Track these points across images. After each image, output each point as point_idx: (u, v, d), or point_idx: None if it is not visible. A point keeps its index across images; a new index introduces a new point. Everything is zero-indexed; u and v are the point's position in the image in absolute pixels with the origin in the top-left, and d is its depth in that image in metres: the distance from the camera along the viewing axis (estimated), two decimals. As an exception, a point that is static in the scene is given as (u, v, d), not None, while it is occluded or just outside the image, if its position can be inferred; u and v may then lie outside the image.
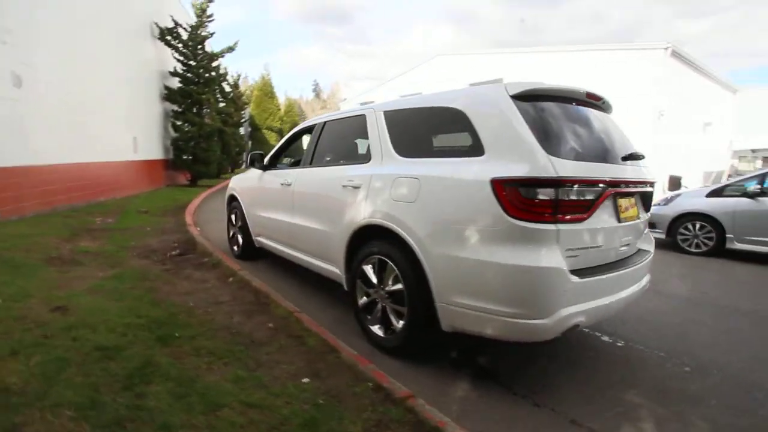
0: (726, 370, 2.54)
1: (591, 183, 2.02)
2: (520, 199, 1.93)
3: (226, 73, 17.93)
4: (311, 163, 3.55)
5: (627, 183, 2.24)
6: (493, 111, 2.16)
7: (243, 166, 26.55)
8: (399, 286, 2.48)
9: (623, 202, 2.28)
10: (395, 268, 2.49)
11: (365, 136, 3.12)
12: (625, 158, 2.34)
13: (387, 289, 2.58)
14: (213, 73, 13.77)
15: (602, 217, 2.15)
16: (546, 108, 2.18)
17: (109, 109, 9.02)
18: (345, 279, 3.02)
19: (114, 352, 2.22)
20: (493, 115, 2.15)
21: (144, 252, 5.01)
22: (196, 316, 2.98)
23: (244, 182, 4.76)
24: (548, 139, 2.04)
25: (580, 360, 2.65)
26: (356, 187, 2.80)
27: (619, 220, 2.26)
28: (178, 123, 12.80)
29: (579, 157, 2.08)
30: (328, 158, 3.47)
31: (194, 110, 13.13)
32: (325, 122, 3.57)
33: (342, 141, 3.45)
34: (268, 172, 4.25)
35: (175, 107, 12.86)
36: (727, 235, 5.43)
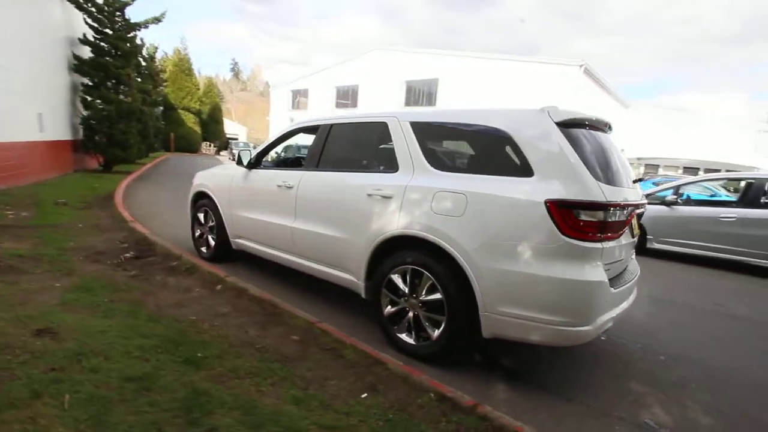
0: (691, 358, 3.09)
1: (625, 206, 2.31)
2: (574, 219, 2.15)
3: (142, 45, 16.02)
4: (317, 167, 3.43)
5: (639, 205, 2.59)
6: (542, 136, 2.34)
7: (160, 151, 23.97)
8: (436, 295, 2.56)
9: (634, 221, 2.64)
10: (433, 278, 2.57)
11: (384, 143, 3.12)
12: (635, 181, 2.71)
13: (421, 298, 2.65)
14: (129, 45, 12.17)
15: (625, 235, 2.48)
16: (580, 135, 2.42)
17: (6, 78, 7.52)
18: (364, 287, 3.01)
19: (148, 381, 1.98)
20: (542, 140, 2.33)
21: (91, 255, 4.38)
22: (206, 331, 2.74)
23: (220, 180, 4.40)
24: (589, 164, 2.28)
25: (579, 354, 3.00)
26: (387, 197, 2.80)
27: (633, 236, 2.61)
28: (89, 99, 11.13)
29: (610, 181, 2.36)
30: (338, 163, 3.38)
31: (109, 85, 11.52)
32: (332, 125, 3.46)
33: (356, 147, 3.39)
34: (255, 171, 3.99)
35: (87, 80, 11.15)
36: (648, 237, 6.45)
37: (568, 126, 2.39)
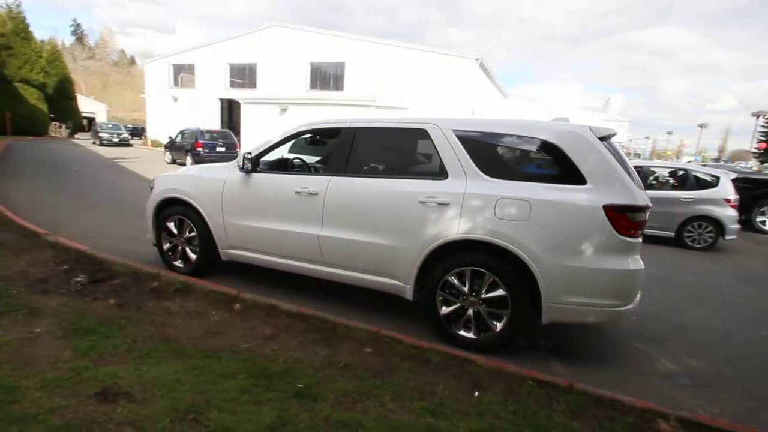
0: (652, 315, 3.95)
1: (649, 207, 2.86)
2: (627, 220, 2.60)
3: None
4: (346, 172, 3.33)
5: None
6: (590, 149, 2.73)
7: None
8: (498, 292, 2.82)
9: None
10: (495, 277, 2.82)
11: (424, 149, 3.21)
12: None
13: (483, 296, 2.89)
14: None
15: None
16: (610, 147, 2.88)
17: None
18: (412, 290, 3.12)
19: (293, 426, 1.85)
20: (591, 152, 2.72)
21: (32, 284, 3.56)
22: (275, 358, 2.57)
23: (206, 184, 3.89)
24: (626, 173, 2.76)
25: (580, 328, 3.60)
26: (443, 204, 2.92)
27: None
28: None
29: (637, 185, 2.87)
30: (372, 169, 3.34)
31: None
32: (358, 128, 3.37)
33: (391, 152, 3.38)
34: (257, 175, 3.66)
35: None
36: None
37: (602, 139, 2.82)
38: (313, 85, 19.99)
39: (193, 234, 4.00)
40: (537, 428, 2.07)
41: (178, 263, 4.15)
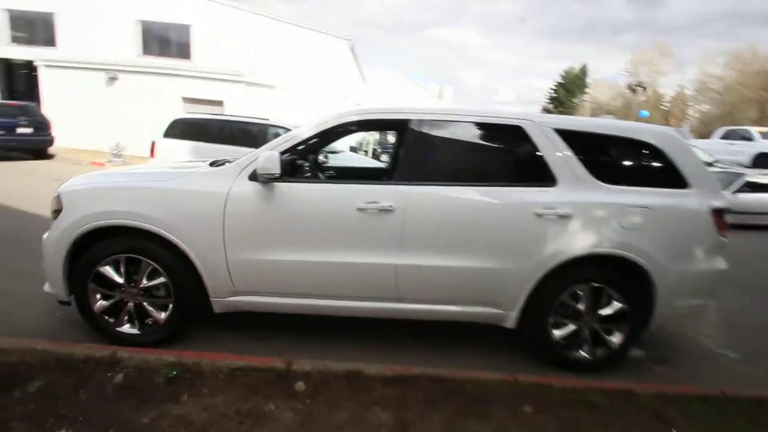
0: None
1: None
2: (722, 222, 2.70)
3: None
4: (428, 180, 2.56)
5: None
6: (688, 152, 2.73)
7: None
8: (616, 306, 2.63)
9: None
10: (614, 291, 2.62)
11: (519, 149, 2.73)
12: None
13: (602, 313, 2.65)
14: None
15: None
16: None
17: None
18: (517, 317, 2.67)
19: None
20: (687, 155, 2.71)
21: None
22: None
23: (185, 203, 2.49)
24: (709, 175, 2.89)
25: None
26: (564, 216, 2.51)
27: None
28: None
29: None
30: (460, 174, 2.63)
31: None
32: (431, 121, 2.60)
33: (479, 153, 2.72)
34: (287, 185, 2.51)
35: None
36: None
37: (683, 142, 2.88)
38: (149, 50, 15.93)
39: (159, 281, 2.54)
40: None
41: (127, 328, 2.62)
